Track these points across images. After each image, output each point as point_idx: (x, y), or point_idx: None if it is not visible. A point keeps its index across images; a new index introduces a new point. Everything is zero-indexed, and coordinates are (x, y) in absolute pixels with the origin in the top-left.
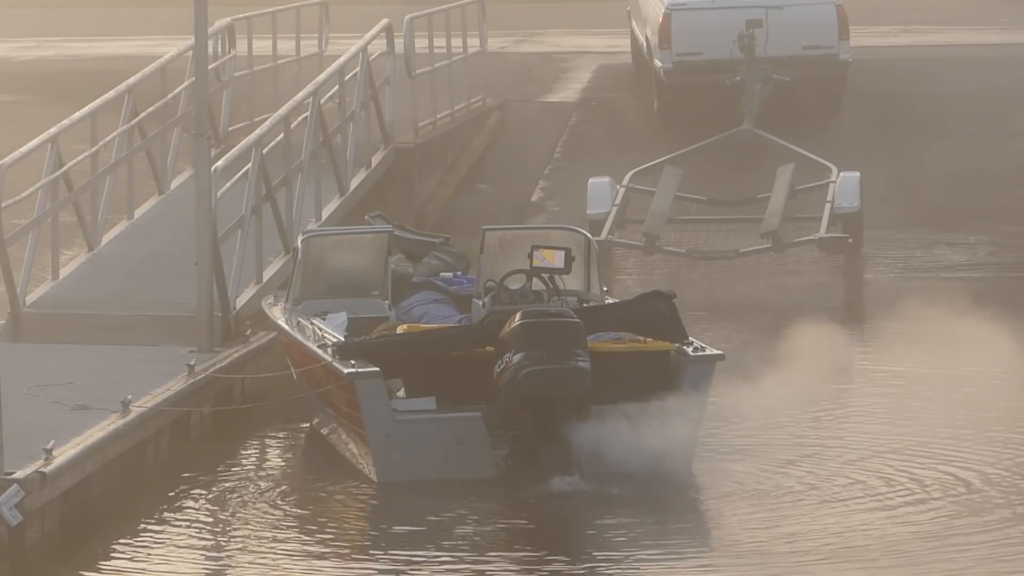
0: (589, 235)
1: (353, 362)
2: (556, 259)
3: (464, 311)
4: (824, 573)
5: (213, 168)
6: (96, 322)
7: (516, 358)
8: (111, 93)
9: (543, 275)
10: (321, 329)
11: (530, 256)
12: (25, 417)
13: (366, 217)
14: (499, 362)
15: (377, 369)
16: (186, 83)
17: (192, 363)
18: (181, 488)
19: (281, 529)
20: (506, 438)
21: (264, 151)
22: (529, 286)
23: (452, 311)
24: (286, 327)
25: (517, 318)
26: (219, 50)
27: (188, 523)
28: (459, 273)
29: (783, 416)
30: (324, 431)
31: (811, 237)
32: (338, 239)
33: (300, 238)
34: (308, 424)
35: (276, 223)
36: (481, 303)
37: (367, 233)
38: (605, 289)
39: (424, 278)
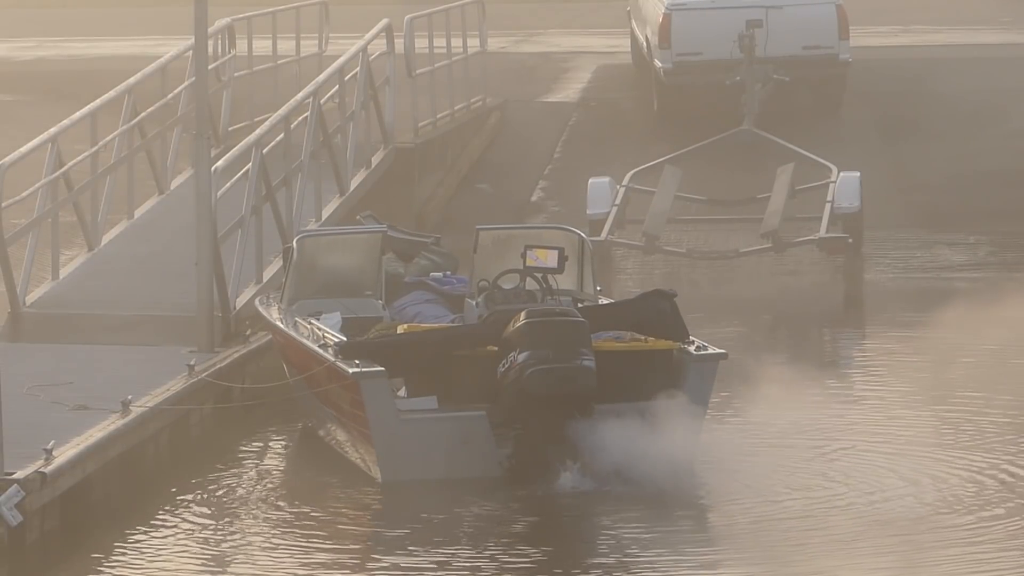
0: (583, 234)
1: (357, 361)
2: (549, 259)
3: (457, 311)
4: (829, 570)
5: (213, 168)
6: (96, 322)
7: (521, 357)
8: (111, 93)
9: (536, 275)
10: (320, 329)
11: (523, 256)
12: (25, 417)
13: (357, 217)
14: (503, 361)
15: (382, 368)
16: (186, 83)
17: (192, 363)
18: (181, 488)
19: (283, 529)
20: (510, 437)
21: (264, 151)
22: (523, 286)
23: (445, 311)
24: (284, 327)
25: (522, 317)
26: (219, 50)
27: (188, 523)
28: (449, 273)
29: (784, 415)
30: (322, 431)
31: (811, 237)
32: (332, 239)
33: (296, 239)
34: (305, 424)
35: (276, 223)
36: (475, 303)
37: (361, 233)
38: (599, 289)
39: (416, 278)
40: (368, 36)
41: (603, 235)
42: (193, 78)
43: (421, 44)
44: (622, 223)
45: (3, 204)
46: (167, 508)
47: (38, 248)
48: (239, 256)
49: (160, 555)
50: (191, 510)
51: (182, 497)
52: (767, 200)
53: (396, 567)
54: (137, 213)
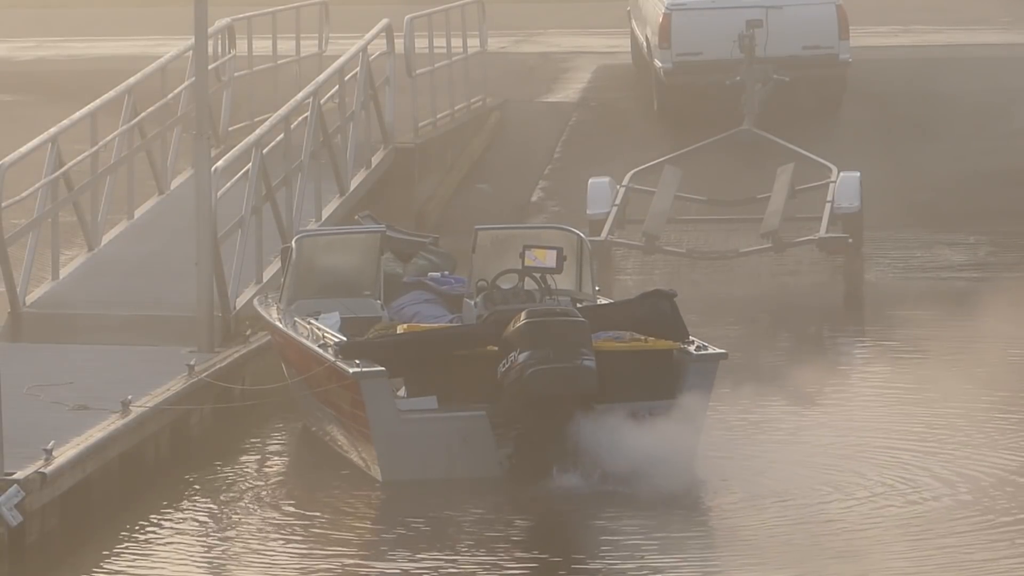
0: (581, 234)
1: (357, 361)
2: (548, 258)
3: (455, 311)
4: (831, 571)
5: (213, 168)
6: (96, 322)
7: (522, 357)
8: (111, 93)
9: (535, 274)
10: (320, 329)
11: (522, 256)
12: (25, 417)
13: (356, 217)
14: (504, 361)
15: (383, 368)
16: (186, 83)
17: (192, 363)
18: (181, 488)
19: (283, 529)
20: (510, 437)
21: (264, 151)
22: (521, 286)
23: (443, 311)
24: (283, 327)
25: (522, 317)
26: (219, 50)
27: (188, 523)
28: (446, 273)
29: (784, 415)
30: (322, 431)
31: (811, 237)
32: (331, 239)
33: (294, 239)
34: (305, 424)
35: (276, 223)
36: (473, 303)
37: (359, 233)
38: (597, 288)
39: (415, 278)
40: (368, 36)
41: (603, 235)
42: (193, 78)
43: (421, 44)
44: (622, 223)
45: (3, 204)
46: (167, 508)
47: (38, 248)
48: (239, 256)
49: (160, 555)
50: (191, 510)
51: (182, 497)
52: (767, 200)
53: (396, 567)
54: (137, 213)
